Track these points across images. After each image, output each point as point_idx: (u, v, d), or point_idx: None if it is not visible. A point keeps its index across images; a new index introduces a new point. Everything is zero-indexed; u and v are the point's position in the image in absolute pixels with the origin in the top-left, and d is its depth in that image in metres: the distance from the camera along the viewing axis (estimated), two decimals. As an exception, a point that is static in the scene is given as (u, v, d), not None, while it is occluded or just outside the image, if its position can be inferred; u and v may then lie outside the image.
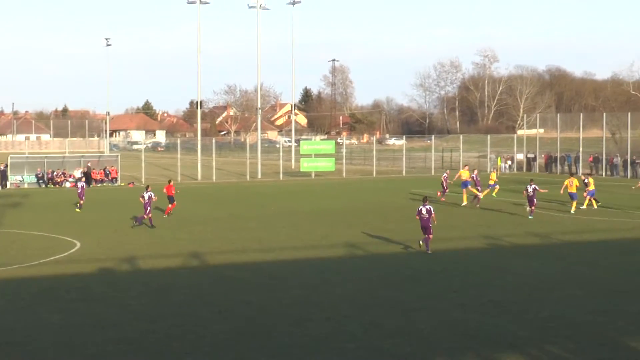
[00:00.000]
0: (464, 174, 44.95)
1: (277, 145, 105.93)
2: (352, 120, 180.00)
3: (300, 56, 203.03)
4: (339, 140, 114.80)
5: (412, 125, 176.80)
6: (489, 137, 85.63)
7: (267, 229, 35.18)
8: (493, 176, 49.76)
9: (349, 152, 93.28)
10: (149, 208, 35.53)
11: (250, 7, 78.13)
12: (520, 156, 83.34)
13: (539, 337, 16.78)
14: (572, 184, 41.67)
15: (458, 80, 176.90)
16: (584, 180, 44.12)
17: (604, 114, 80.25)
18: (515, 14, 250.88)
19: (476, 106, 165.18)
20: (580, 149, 75.31)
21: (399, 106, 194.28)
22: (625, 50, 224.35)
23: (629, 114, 75.23)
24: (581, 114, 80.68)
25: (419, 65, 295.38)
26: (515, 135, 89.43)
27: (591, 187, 42.53)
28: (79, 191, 44.18)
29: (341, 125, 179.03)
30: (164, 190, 40.64)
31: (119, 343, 16.68)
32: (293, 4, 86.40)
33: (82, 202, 43.64)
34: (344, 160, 77.64)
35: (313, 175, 72.63)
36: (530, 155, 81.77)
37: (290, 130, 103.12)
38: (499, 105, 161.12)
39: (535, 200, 39.20)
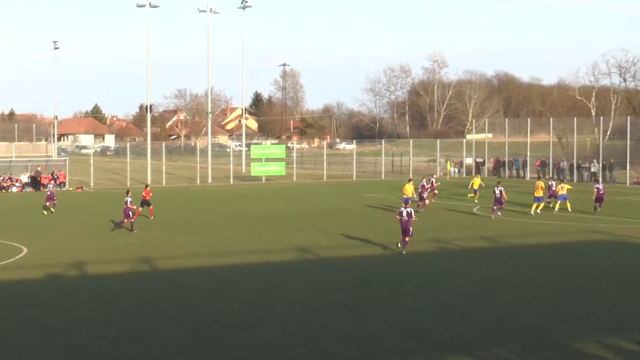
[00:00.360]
0: (408, 190, 42.94)
1: (228, 150, 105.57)
2: (302, 124, 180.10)
3: (251, 60, 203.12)
4: (289, 144, 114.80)
5: (363, 130, 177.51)
6: (438, 141, 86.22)
7: (218, 233, 35.03)
8: (477, 181, 50.00)
9: (299, 156, 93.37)
10: (130, 212, 35.81)
11: (200, 11, 77.74)
12: (469, 160, 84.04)
13: (488, 340, 16.92)
14: (539, 187, 42.66)
15: (408, 85, 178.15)
16: (549, 184, 45.53)
17: (551, 119, 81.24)
18: (464, 20, 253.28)
19: (426, 111, 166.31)
20: (528, 154, 76.19)
21: (349, 110, 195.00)
22: (571, 56, 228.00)
23: (575, 119, 76.32)
24: (529, 119, 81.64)
25: (369, 69, 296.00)
26: (464, 140, 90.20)
27: (563, 192, 43.41)
28: (48, 193, 44.54)
29: (292, 130, 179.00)
30: (143, 194, 40.96)
31: (67, 349, 16.47)
32: (244, 8, 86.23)
33: (53, 202, 44.03)
34: (294, 165, 77.65)
35: (264, 179, 72.49)
36: (479, 160, 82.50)
37: (241, 135, 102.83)
38: (449, 110, 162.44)
39: (502, 201, 40.65)
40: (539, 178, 49.52)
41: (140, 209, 40.27)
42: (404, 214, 28.98)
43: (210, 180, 72.15)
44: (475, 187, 48.92)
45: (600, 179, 67.85)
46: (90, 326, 18.32)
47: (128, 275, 25.16)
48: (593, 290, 22.14)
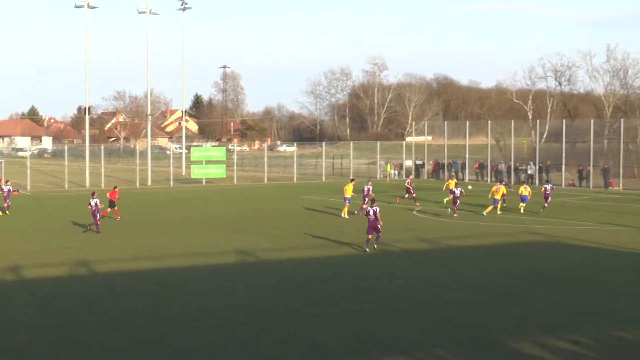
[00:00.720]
0: (349, 190, 42.99)
1: (168, 152, 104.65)
2: (243, 126, 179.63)
3: (191, 62, 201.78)
4: (230, 146, 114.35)
5: (303, 132, 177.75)
6: (378, 143, 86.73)
7: (158, 236, 34.74)
8: (451, 183, 50.41)
9: (240, 158, 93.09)
10: (98, 214, 36.02)
11: (139, 12, 77.09)
12: (408, 163, 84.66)
13: (428, 341, 17.06)
14: (498, 191, 43.90)
15: (348, 87, 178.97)
16: (506, 185, 47.36)
17: (489, 121, 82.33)
18: (404, 23, 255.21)
19: (366, 113, 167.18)
20: (467, 156, 77.01)
21: (290, 113, 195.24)
22: (508, 60, 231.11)
23: (512, 121, 77.45)
24: (467, 122, 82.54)
25: (310, 72, 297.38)
26: (404, 142, 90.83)
27: (525, 193, 44.71)
28: (4, 194, 44.35)
29: (232, 132, 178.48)
30: (108, 195, 41.33)
31: (3, 354, 16.17)
32: (183, 10, 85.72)
33: (7, 204, 43.93)
34: (235, 167, 77.41)
35: (204, 182, 72.12)
36: (419, 162, 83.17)
37: (181, 137, 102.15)
38: (389, 113, 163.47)
39: (458, 202, 42.84)
40: (500, 182, 50.90)
41: (109, 209, 40.59)
42: (371, 212, 30.07)
43: (150, 182, 71.55)
44: (451, 187, 46.62)
45: (537, 181, 69.00)
46: (27, 330, 18.02)
47: (66, 278, 24.81)
48: (529, 291, 22.46)
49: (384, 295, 21.86)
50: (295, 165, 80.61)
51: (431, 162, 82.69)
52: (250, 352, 16.31)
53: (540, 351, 16.14)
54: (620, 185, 64.91)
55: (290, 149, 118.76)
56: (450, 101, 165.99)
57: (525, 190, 45.18)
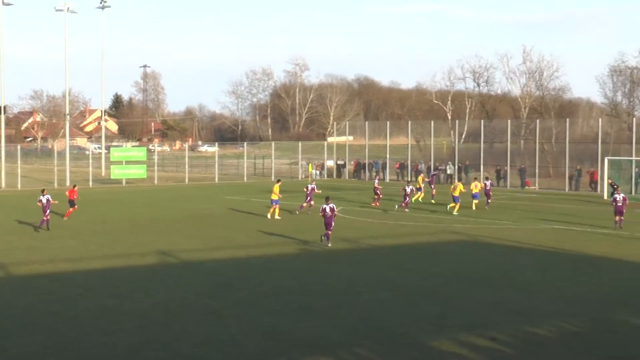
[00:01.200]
0: (277, 190, 42.69)
1: (87, 152, 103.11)
2: (164, 126, 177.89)
3: (110, 61, 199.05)
4: (150, 146, 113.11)
5: (225, 132, 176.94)
6: (300, 144, 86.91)
7: (77, 237, 34.20)
8: (420, 180, 50.62)
9: (160, 158, 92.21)
10: (48, 211, 36.23)
11: (57, 10, 75.72)
12: (330, 163, 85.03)
13: (349, 340, 17.16)
14: (456, 188, 45.51)
15: (270, 87, 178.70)
16: (453, 184, 49.05)
17: (409, 122, 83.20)
18: (325, 24, 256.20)
19: (288, 114, 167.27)
20: (388, 156, 77.74)
21: (211, 113, 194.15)
22: (428, 61, 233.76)
23: (432, 122, 78.47)
24: (388, 122, 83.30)
25: (232, 72, 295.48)
26: (325, 143, 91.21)
27: (476, 190, 46.37)
28: None
29: (153, 132, 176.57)
30: (67, 194, 41.65)
31: None
32: (102, 8, 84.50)
33: None
34: (155, 167, 76.64)
35: (124, 182, 71.24)
36: (340, 162, 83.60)
37: (101, 137, 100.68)
38: (310, 113, 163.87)
39: (407, 198, 45.38)
40: (459, 180, 52.18)
41: (71, 209, 41.10)
42: (327, 209, 31.13)
43: (68, 183, 70.31)
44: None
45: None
46: (-60, 336, 17.55)
47: (-19, 282, 24.24)
48: (449, 290, 22.78)
49: (306, 296, 21.92)
50: (216, 166, 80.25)
51: (352, 162, 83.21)
52: (171, 353, 16.18)
53: (459, 348, 16.39)
54: (536, 184, 66.34)
55: (212, 149, 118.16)
56: (371, 102, 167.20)
57: (475, 187, 46.79)
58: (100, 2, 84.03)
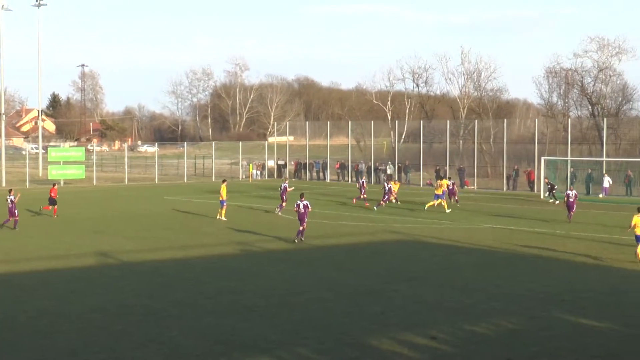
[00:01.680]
0: (224, 191, 42.22)
1: (23, 152, 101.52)
2: (103, 126, 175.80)
3: (47, 60, 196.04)
4: (89, 147, 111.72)
5: (165, 132, 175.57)
6: (240, 144, 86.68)
7: (14, 239, 33.67)
8: (396, 188, 50.78)
9: (99, 159, 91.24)
10: (16, 211, 36.74)
11: (-8, 8, 74.25)
12: (271, 163, 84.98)
13: (290, 340, 17.19)
14: (439, 186, 46.81)
15: (210, 87, 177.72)
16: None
17: (350, 122, 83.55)
18: (265, 24, 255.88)
19: (228, 114, 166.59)
20: (328, 156, 77.91)
21: (151, 113, 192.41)
22: (368, 62, 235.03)
23: (372, 122, 78.86)
24: (328, 122, 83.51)
25: (171, 72, 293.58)
26: (266, 143, 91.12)
27: (439, 191, 46.21)
28: None
29: (91, 132, 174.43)
30: (51, 193, 43.26)
31: None
32: (39, 5, 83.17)
33: None
34: (94, 168, 75.73)
35: (62, 182, 70.23)
36: (281, 162, 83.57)
37: (37, 137, 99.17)
38: (251, 113, 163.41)
39: (386, 196, 46.90)
40: (442, 177, 53.01)
41: (49, 206, 42.66)
42: (301, 206, 32.49)
43: (4, 184, 69.12)
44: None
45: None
46: None
47: None
48: (388, 289, 22.94)
49: (246, 296, 21.89)
50: (156, 166, 79.64)
51: (293, 163, 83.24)
52: (110, 356, 16.04)
53: (399, 347, 16.53)
54: (475, 184, 67.10)
55: (152, 149, 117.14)
56: (312, 102, 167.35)
57: (439, 187, 47.44)
58: (36, 0, 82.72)
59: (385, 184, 48.95)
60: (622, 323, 18.56)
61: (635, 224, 27.87)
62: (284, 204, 44.23)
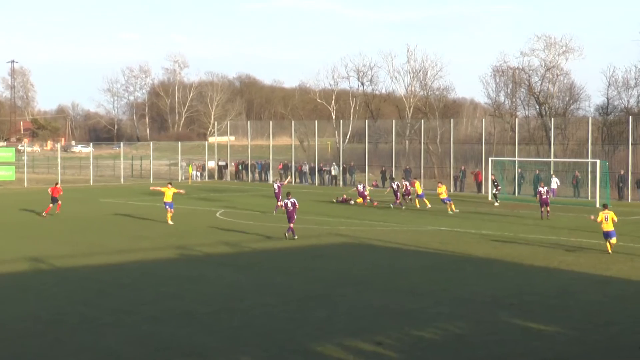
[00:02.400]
0: (169, 193, 41.57)
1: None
2: (34, 125, 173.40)
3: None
4: (19, 147, 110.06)
5: (100, 132, 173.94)
6: (179, 144, 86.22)
7: (-61, 244, 33.05)
8: (418, 187, 51.58)
9: (30, 159, 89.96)
10: None
11: None
12: (211, 164, 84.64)
13: (231, 347, 17.12)
14: (414, 185, 50.34)
15: (148, 85, 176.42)
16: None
17: (293, 122, 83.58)
18: (205, 20, 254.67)
19: (167, 113, 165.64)
20: (271, 157, 77.86)
21: (85, 112, 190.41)
22: (311, 60, 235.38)
23: (316, 122, 78.98)
24: (271, 122, 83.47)
25: (107, 69, 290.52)
26: (206, 143, 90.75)
27: (444, 196, 47.88)
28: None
29: (22, 132, 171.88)
30: (49, 191, 45.01)
31: None
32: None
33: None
34: (25, 169, 74.67)
35: (-9, 184, 69.15)
36: (222, 163, 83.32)
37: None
38: (190, 112, 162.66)
39: (364, 195, 50.94)
40: (344, 182, 55.72)
41: (51, 205, 44.12)
42: (289, 204, 34.26)
43: None
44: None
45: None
46: None
47: None
48: (334, 293, 22.99)
49: (186, 302, 21.76)
50: (91, 167, 78.81)
51: (234, 164, 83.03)
52: (43, 366, 15.82)
53: (345, 353, 16.57)
54: (422, 185, 67.51)
55: (86, 149, 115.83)
56: (254, 101, 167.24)
57: (419, 188, 50.46)
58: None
59: (359, 185, 53.01)
60: (569, 326, 18.85)
61: (601, 220, 30.39)
62: (280, 203, 44.34)
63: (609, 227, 30.15)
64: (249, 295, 22.67)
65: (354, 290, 23.52)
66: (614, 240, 30.19)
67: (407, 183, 52.35)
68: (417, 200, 50.08)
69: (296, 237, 34.35)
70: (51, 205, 44.38)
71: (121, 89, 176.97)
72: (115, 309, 20.88)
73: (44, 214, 44.11)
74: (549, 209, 43.24)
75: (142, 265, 28.01)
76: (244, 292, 23.24)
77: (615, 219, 30.52)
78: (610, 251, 30.07)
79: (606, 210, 30.61)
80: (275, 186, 47.28)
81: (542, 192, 43.19)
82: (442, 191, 47.83)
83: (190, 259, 29.71)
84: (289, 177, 47.97)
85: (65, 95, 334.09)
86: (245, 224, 40.50)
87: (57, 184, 47.46)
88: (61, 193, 45.41)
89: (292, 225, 34.46)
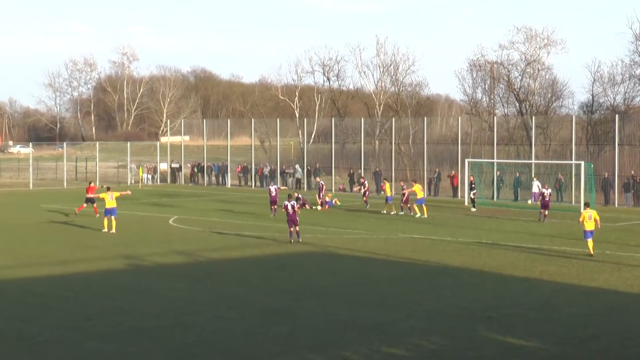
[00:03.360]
0: (109, 199, 40.82)
1: None
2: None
3: None
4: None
5: (41, 131, 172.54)
6: (129, 144, 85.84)
7: None
8: (388, 188, 51.72)
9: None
10: None
11: None
12: (163, 166, 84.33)
13: (185, 365, 17.05)
14: (384, 187, 51.44)
15: (93, 80, 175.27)
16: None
17: (252, 120, 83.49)
18: (155, 8, 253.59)
19: (114, 110, 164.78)
20: (229, 158, 77.72)
21: (24, 109, 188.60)
22: (273, 53, 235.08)
23: (278, 120, 78.99)
24: (229, 120, 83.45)
25: (48, 62, 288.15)
26: (158, 143, 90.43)
27: (420, 195, 49.30)
28: None
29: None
30: (98, 195, 45.33)
31: None
32: None
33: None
34: (-43, 171, 73.99)
35: None
36: (175, 165, 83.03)
37: None
38: (140, 109, 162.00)
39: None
40: (307, 185, 56.00)
41: (85, 205, 47.01)
42: (289, 207, 35.93)
43: None
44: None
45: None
46: None
47: None
48: (297, 306, 22.97)
49: (134, 316, 21.62)
50: (31, 169, 78.14)
51: (189, 165, 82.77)
52: (-24, 387, 15.65)
53: (309, 372, 16.55)
54: (393, 189, 67.61)
55: (25, 150, 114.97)
56: (210, 97, 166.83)
57: (389, 190, 51.11)
58: None
59: (360, 184, 54.83)
60: (552, 341, 18.96)
61: (583, 219, 32.08)
62: (274, 207, 47.89)
63: (590, 226, 31.78)
64: (204, 309, 22.57)
65: (319, 302, 23.50)
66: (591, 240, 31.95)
67: (404, 188, 52.59)
68: (386, 205, 50.62)
69: (301, 240, 36.19)
70: (85, 205, 47.43)
71: (64, 84, 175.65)
72: (57, 325, 20.71)
73: (77, 212, 48.09)
74: (547, 212, 45.34)
75: (87, 277, 27.81)
76: (199, 305, 23.14)
77: (598, 218, 32.15)
78: (592, 252, 31.50)
79: (588, 209, 32.43)
80: (273, 189, 48.66)
81: (546, 194, 45.74)
82: (418, 191, 49.40)
83: (140, 269, 29.55)
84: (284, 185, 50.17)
85: (0, 91, 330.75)
86: (201, 232, 40.36)
87: (91, 182, 50.96)
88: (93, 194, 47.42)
89: (298, 228, 36.37)
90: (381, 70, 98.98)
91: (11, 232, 40.59)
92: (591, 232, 31.74)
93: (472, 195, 52.89)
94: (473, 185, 53.43)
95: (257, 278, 27.89)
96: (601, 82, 79.31)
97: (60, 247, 35.05)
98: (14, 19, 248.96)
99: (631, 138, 62.95)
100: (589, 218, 31.78)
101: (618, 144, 58.50)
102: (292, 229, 36.33)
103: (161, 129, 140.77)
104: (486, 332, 19.88)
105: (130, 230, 40.78)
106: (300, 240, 36.18)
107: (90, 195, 47.51)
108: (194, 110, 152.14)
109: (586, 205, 33.57)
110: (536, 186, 58.11)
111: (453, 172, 65.21)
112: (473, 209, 51.52)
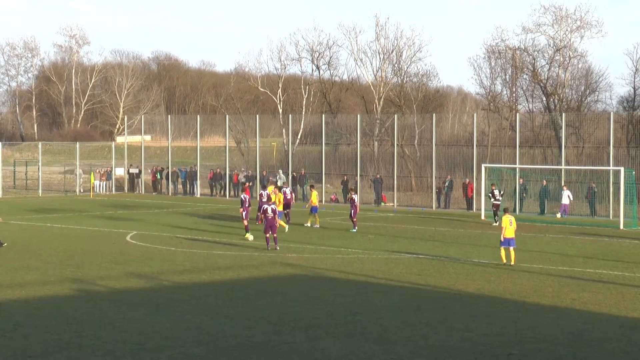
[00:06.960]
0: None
1: None
2: None
3: None
4: None
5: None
6: (78, 145, 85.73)
7: None
8: (314, 197, 52.38)
9: None
10: None
11: None
12: (120, 171, 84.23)
13: (145, 412, 17.05)
14: (311, 196, 52.94)
15: (35, 68, 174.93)
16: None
17: (227, 116, 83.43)
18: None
19: (61, 104, 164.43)
20: (198, 162, 77.69)
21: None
22: (251, 36, 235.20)
23: (257, 117, 78.89)
24: (198, 117, 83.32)
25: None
26: (113, 144, 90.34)
27: (315, 203, 51.76)
28: None
29: None
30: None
31: None
32: None
33: None
34: None
35: None
36: (134, 170, 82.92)
37: None
38: (92, 103, 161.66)
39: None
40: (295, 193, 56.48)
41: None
42: (269, 210, 39.34)
43: None
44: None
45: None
46: None
47: None
48: (279, 340, 22.96)
49: (85, 352, 21.60)
50: (-40, 175, 78.01)
51: (150, 171, 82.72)
52: None
53: (293, 419, 16.56)
54: (395, 200, 67.65)
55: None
56: (176, 89, 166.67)
57: (315, 199, 52.15)
58: None
59: (354, 196, 51.57)
60: (586, 383, 19.00)
61: (505, 225, 35.45)
62: (260, 214, 47.64)
63: (511, 233, 35.05)
64: (168, 344, 22.56)
65: (305, 337, 23.51)
66: (513, 249, 35.54)
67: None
68: (310, 216, 52.28)
69: (278, 247, 39.36)
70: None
71: (0, 73, 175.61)
72: (-9, 362, 20.70)
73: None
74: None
75: (27, 305, 27.76)
76: (161, 339, 23.13)
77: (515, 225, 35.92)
78: (512, 262, 35.34)
79: (508, 214, 36.03)
80: (264, 193, 48.24)
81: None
82: (313, 198, 51.56)
83: (91, 296, 29.52)
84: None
85: None
86: (164, 251, 40.33)
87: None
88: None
89: (275, 234, 39.49)
90: (381, 57, 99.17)
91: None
92: (511, 240, 35.13)
93: (493, 207, 52.49)
94: (494, 192, 52.74)
95: (231, 306, 27.88)
96: (645, 72, 79.57)
97: (-5, 268, 35.01)
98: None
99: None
100: (510, 224, 34.96)
101: (665, 147, 58.66)
102: (268, 235, 39.32)
103: (117, 127, 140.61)
104: (506, 372, 19.93)
105: (79, 248, 40.75)
106: (278, 248, 39.25)
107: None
108: (156, 104, 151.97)
109: (505, 210, 37.12)
110: (566, 196, 58.08)
111: (467, 180, 65.01)
112: (495, 224, 50.87)
